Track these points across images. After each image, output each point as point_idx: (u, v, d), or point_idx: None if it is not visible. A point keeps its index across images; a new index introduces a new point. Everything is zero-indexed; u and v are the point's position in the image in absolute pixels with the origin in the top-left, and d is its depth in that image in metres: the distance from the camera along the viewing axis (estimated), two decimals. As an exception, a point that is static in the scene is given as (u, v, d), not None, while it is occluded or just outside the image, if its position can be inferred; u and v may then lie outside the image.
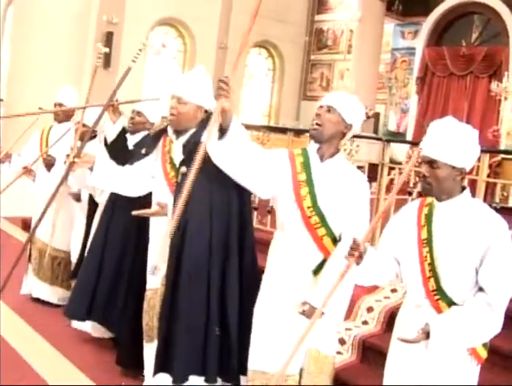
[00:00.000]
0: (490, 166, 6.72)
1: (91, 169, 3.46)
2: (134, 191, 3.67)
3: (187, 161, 3.16)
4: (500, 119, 12.85)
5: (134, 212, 3.39)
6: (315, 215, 2.97)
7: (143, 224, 3.69)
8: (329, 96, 3.09)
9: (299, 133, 8.49)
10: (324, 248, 3.01)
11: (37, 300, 5.36)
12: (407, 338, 2.52)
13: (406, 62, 16.22)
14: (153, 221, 3.63)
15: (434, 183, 2.55)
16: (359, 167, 9.48)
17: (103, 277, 4.13)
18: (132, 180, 3.62)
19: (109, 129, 4.45)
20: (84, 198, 4.99)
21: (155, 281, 3.56)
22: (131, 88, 14.02)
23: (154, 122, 4.75)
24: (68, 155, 3.50)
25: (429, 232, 2.63)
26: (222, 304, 3.35)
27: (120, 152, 4.23)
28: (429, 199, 2.71)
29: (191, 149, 3.18)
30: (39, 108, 5.29)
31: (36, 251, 5.38)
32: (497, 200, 5.99)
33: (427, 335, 2.46)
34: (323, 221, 2.97)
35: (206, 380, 3.36)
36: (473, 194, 4.60)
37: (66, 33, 9.57)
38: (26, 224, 7.73)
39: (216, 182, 3.22)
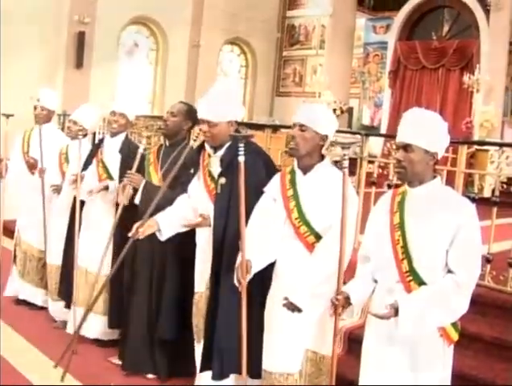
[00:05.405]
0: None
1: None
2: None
3: (225, 173, 3.51)
4: (472, 111, 13.01)
5: (184, 223, 3.65)
6: (303, 224, 3.16)
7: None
8: (299, 113, 3.23)
9: (275, 129, 8.48)
10: None
11: (22, 302, 5.38)
12: (378, 313, 2.62)
13: (378, 56, 16.33)
14: (198, 231, 3.78)
15: (408, 167, 2.67)
16: (337, 162, 9.56)
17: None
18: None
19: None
20: (66, 200, 4.93)
21: (201, 285, 3.70)
22: (105, 87, 13.99)
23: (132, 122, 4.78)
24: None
25: (401, 217, 2.74)
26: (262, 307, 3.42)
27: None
28: (402, 188, 2.83)
29: (228, 162, 3.50)
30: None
31: (21, 253, 5.40)
32: (475, 190, 6.07)
33: (396, 311, 2.56)
34: (311, 230, 3.16)
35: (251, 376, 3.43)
36: (452, 185, 4.68)
37: (37, 34, 9.50)
38: (5, 227, 7.63)
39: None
